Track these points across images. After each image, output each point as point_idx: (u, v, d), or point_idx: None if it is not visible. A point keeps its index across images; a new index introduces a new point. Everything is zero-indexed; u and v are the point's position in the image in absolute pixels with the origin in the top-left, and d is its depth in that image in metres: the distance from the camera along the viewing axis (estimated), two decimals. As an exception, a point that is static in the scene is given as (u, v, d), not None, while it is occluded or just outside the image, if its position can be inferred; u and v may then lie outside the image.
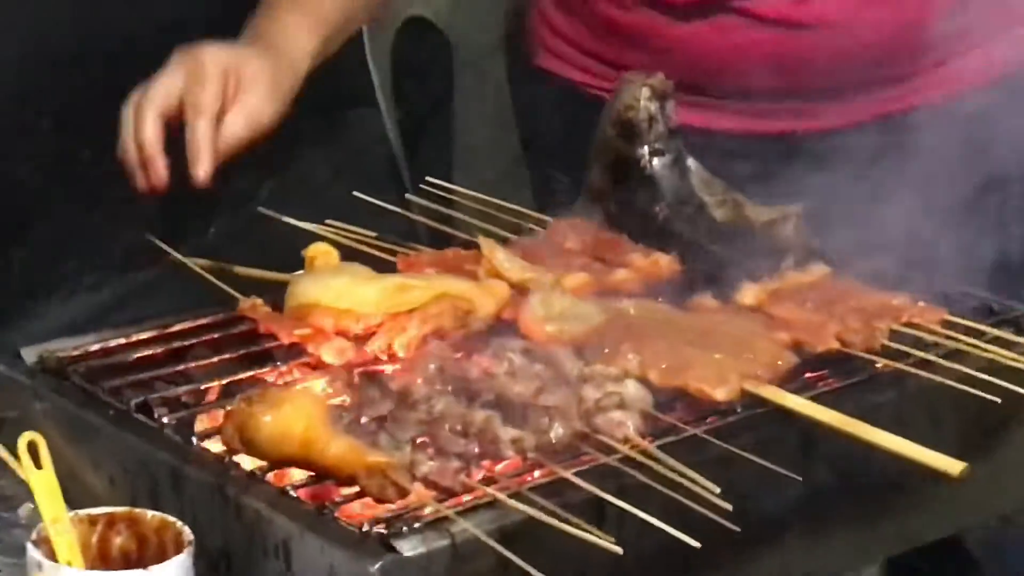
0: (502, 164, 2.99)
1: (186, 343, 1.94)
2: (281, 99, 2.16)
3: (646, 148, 2.13)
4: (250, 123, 2.12)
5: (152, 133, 2.10)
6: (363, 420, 1.74)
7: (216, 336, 1.96)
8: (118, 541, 1.66)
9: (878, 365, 1.92)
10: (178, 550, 1.62)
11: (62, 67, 2.72)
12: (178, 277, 2.53)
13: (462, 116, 3.05)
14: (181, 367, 1.89)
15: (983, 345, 1.93)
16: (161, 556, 1.63)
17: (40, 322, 2.58)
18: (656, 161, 2.13)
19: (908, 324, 1.98)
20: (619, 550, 1.58)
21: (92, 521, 1.66)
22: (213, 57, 2.13)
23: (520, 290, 2.01)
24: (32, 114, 2.75)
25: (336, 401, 1.79)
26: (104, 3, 2.71)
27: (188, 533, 1.63)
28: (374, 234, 2.15)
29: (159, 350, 1.93)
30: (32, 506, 1.79)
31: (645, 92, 2.13)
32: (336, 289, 1.94)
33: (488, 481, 1.67)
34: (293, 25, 2.23)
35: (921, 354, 1.92)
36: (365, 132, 2.85)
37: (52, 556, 1.61)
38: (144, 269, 2.84)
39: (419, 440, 1.71)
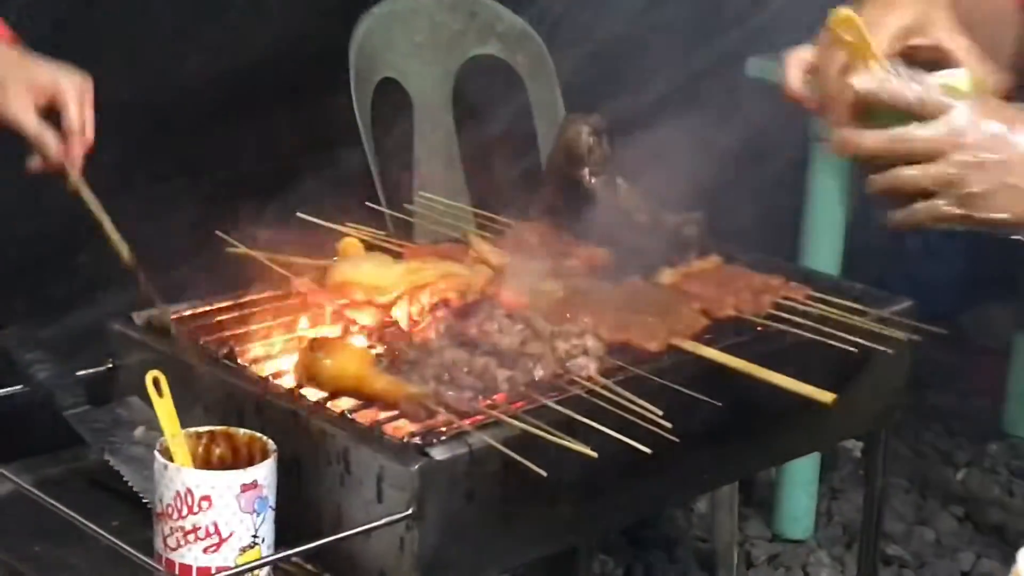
0: (450, 190, 3.06)
1: (254, 310, 1.94)
2: None
3: (586, 170, 2.11)
4: None
5: None
6: (397, 364, 1.78)
7: (274, 305, 1.95)
8: (217, 451, 1.67)
9: (759, 328, 1.95)
10: (264, 457, 1.62)
11: (118, 113, 2.77)
12: (203, 269, 2.54)
13: (420, 154, 3.11)
14: (253, 327, 1.88)
15: (837, 312, 1.96)
16: (250, 462, 1.63)
17: (100, 308, 2.62)
18: (594, 180, 2.11)
19: (784, 297, 2.00)
20: (595, 455, 1.62)
21: (198, 436, 1.67)
22: None
23: (498, 272, 2.01)
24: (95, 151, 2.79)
25: (375, 351, 1.80)
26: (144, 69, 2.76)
27: (272, 444, 1.64)
28: (384, 232, 2.14)
29: (235, 315, 1.92)
30: (144, 428, 1.79)
31: (585, 129, 2.12)
32: (367, 270, 1.93)
33: (492, 407, 1.71)
34: None
35: (795, 318, 1.95)
36: (352, 163, 2.89)
37: (171, 460, 1.62)
38: (179, 267, 2.89)
39: (441, 377, 1.74)
